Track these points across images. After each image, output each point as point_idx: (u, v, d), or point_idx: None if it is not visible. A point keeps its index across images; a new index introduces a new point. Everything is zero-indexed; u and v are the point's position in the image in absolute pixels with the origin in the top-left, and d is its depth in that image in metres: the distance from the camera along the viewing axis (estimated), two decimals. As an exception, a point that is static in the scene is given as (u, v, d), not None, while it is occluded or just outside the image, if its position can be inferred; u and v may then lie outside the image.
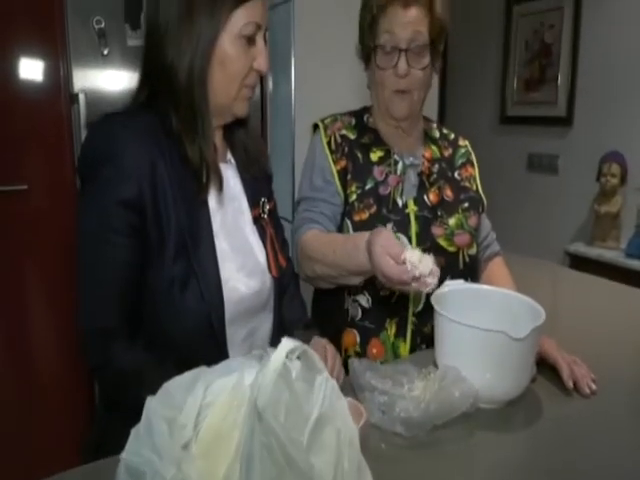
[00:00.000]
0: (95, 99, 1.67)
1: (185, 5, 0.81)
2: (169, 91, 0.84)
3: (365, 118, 1.21)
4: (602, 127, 2.68)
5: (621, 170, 2.47)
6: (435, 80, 2.13)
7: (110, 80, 1.70)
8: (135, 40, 1.67)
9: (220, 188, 0.89)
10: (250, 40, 0.86)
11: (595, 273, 2.39)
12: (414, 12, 1.07)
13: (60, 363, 1.78)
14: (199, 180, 0.86)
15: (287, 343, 0.49)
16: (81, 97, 1.63)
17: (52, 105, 1.69)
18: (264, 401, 0.48)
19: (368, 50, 1.14)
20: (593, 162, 2.59)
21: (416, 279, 0.84)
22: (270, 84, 1.96)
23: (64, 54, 1.68)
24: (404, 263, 0.83)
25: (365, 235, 0.93)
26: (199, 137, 0.85)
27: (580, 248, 2.61)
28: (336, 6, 1.47)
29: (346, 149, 1.16)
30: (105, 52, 1.66)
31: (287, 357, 0.50)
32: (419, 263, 0.83)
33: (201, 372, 0.61)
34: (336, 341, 1.13)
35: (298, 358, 0.52)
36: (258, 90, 1.93)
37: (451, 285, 1.00)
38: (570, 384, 0.93)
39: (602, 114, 2.68)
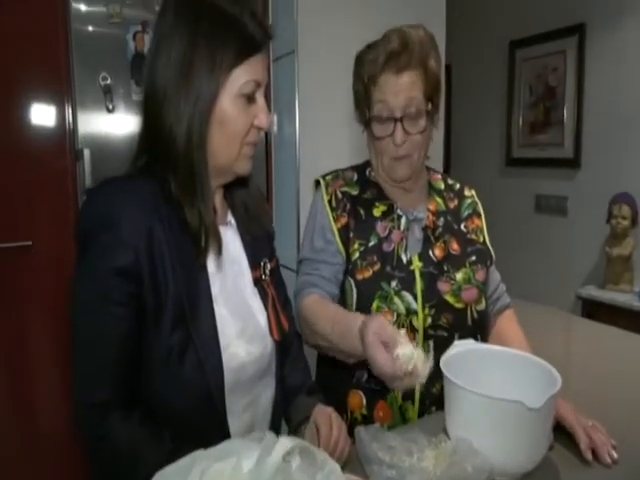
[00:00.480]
0: (100, 154, 1.68)
1: (183, 67, 0.80)
2: (168, 156, 0.83)
3: (367, 172, 1.19)
4: (611, 168, 2.67)
5: (632, 212, 2.45)
6: (441, 124, 2.16)
7: (115, 135, 1.72)
8: (140, 95, 1.70)
9: (219, 252, 0.87)
10: (250, 98, 0.85)
11: (608, 317, 2.35)
12: (406, 78, 1.05)
13: (62, 420, 1.74)
14: (198, 245, 0.84)
15: (285, 442, 0.46)
16: (86, 153, 1.65)
17: (57, 161, 1.71)
18: None
19: (364, 118, 1.13)
20: (602, 204, 2.57)
21: (408, 374, 0.81)
22: (275, 128, 1.99)
23: (70, 110, 1.72)
24: (397, 358, 0.81)
25: (359, 318, 0.90)
26: (198, 201, 0.83)
27: (592, 292, 2.56)
28: (336, 55, 1.50)
29: (348, 206, 1.13)
30: (110, 107, 1.68)
31: (284, 459, 0.46)
32: (411, 360, 0.81)
33: (198, 456, 0.59)
34: (342, 403, 1.10)
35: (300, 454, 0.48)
36: (263, 135, 1.96)
37: (460, 346, 0.96)
38: (589, 455, 0.87)
39: (610, 155, 2.67)
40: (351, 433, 0.90)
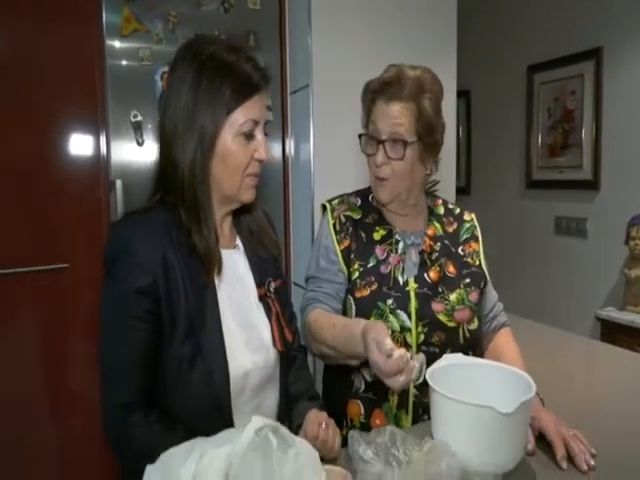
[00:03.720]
0: (130, 184, 1.84)
1: (189, 110, 0.93)
2: (176, 188, 0.95)
3: (370, 198, 1.27)
4: (629, 190, 2.67)
5: (650, 233, 2.44)
6: (452, 147, 2.25)
7: (144, 166, 1.87)
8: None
9: (219, 272, 0.98)
10: (249, 136, 0.97)
11: (628, 338, 2.34)
12: (395, 107, 1.14)
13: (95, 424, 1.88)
14: (205, 266, 0.96)
15: (257, 421, 0.56)
16: (118, 183, 1.81)
17: (92, 191, 1.89)
18: (235, 470, 0.54)
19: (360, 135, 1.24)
20: (622, 225, 2.57)
21: (402, 372, 0.90)
22: (292, 152, 2.13)
23: (105, 144, 1.90)
24: (392, 357, 0.90)
25: (361, 323, 0.99)
26: (202, 228, 0.95)
27: (612, 313, 2.55)
28: (348, 89, 1.61)
29: (350, 229, 1.22)
30: (140, 141, 1.85)
31: (256, 433, 0.56)
32: (404, 358, 0.90)
33: (198, 442, 0.68)
34: (342, 411, 1.18)
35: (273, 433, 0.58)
36: (280, 157, 2.13)
37: (448, 359, 1.02)
38: (563, 465, 0.92)
39: (629, 177, 2.68)
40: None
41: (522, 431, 0.89)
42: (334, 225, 1.24)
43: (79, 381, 1.92)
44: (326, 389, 1.29)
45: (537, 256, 3.21)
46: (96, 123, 1.89)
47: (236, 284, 1.03)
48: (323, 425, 0.95)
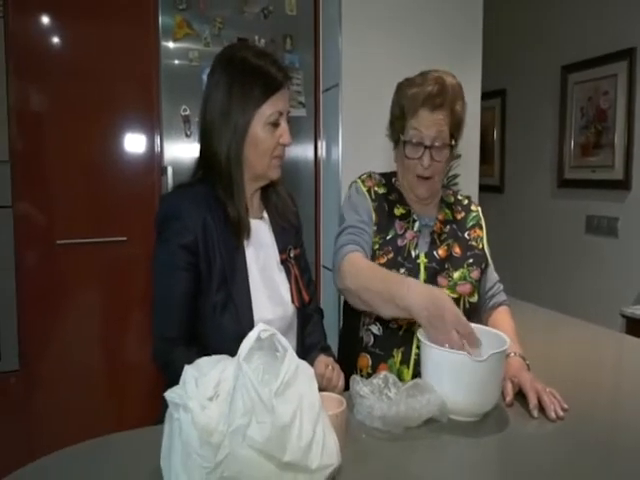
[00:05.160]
0: (179, 170, 2.08)
1: (224, 106, 1.13)
2: (214, 170, 1.16)
3: (393, 180, 1.43)
4: (661, 189, 2.70)
5: (678, 232, 2.47)
6: (476, 144, 2.36)
7: (191, 155, 2.08)
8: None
9: (248, 237, 1.18)
10: (275, 125, 1.16)
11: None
12: (438, 115, 1.27)
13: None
14: (237, 232, 1.16)
15: (260, 326, 0.74)
16: (169, 169, 2.07)
17: (148, 175, 2.15)
18: (242, 358, 0.72)
19: (396, 138, 1.37)
20: (653, 225, 2.60)
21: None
22: (324, 152, 2.31)
23: (159, 135, 2.15)
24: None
25: (404, 285, 1.09)
26: (236, 202, 1.15)
27: (637, 311, 2.58)
28: (375, 88, 1.77)
29: (377, 202, 1.37)
30: (188, 133, 2.09)
31: (259, 335, 0.74)
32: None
33: (224, 357, 0.85)
34: (354, 363, 1.35)
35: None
36: (312, 156, 2.31)
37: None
38: (534, 413, 1.05)
39: (661, 177, 2.70)
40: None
41: (495, 378, 1.03)
42: (368, 192, 1.38)
43: (136, 341, 2.17)
44: (341, 344, 1.47)
45: (567, 254, 3.25)
46: (152, 117, 2.14)
47: (261, 248, 1.23)
48: (329, 367, 1.12)
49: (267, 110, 1.14)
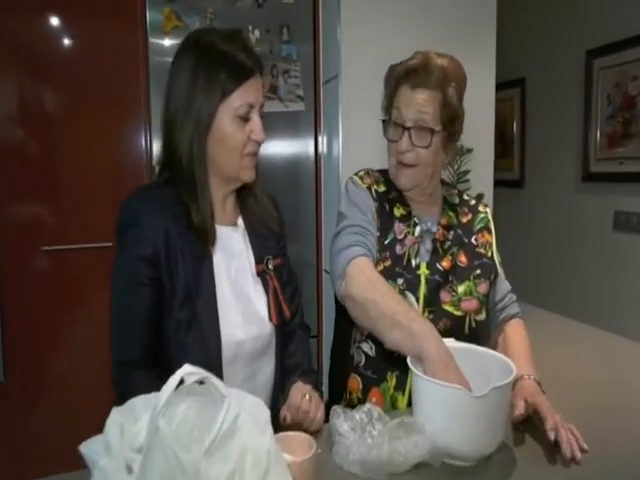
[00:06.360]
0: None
1: (187, 94, 1.00)
2: (176, 168, 1.03)
3: (391, 177, 1.28)
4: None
5: None
6: (490, 136, 2.18)
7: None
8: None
9: (213, 244, 1.05)
10: (245, 119, 1.02)
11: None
12: (420, 94, 1.14)
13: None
14: (202, 239, 1.03)
15: (186, 368, 0.60)
16: (157, 169, 1.93)
17: (137, 177, 2.02)
18: (160, 412, 0.59)
19: (384, 120, 1.24)
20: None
21: None
22: (325, 148, 2.16)
23: (148, 136, 2.03)
24: None
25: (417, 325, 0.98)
26: (200, 205, 1.02)
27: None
28: (377, 79, 1.62)
29: (377, 202, 1.22)
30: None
31: (184, 380, 0.61)
32: None
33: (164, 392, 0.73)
34: (343, 384, 1.21)
35: (201, 383, 0.63)
36: (311, 152, 2.17)
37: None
38: (552, 436, 0.92)
39: (696, 169, 2.48)
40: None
41: (498, 417, 0.88)
42: (369, 189, 1.23)
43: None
44: (331, 362, 1.33)
45: (594, 253, 3.03)
46: (140, 116, 2.02)
47: (233, 259, 1.10)
48: (306, 397, 0.98)
49: (235, 101, 1.01)
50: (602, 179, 3.00)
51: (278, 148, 2.11)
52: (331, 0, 2.02)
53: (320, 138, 2.16)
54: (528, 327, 1.24)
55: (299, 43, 2.09)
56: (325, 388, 1.32)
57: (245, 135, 1.03)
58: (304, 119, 2.12)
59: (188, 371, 0.59)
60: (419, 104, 1.14)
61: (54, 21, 1.93)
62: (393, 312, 1.00)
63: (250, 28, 2.02)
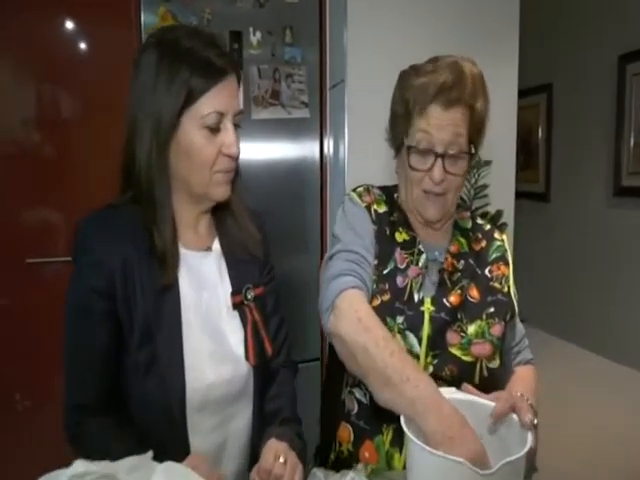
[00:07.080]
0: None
1: (148, 97, 0.87)
2: (134, 183, 0.89)
3: (395, 196, 1.13)
4: None
5: None
6: (512, 146, 1.99)
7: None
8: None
9: (174, 272, 0.90)
10: (215, 129, 0.88)
11: None
12: (455, 114, 0.98)
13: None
14: (163, 266, 0.88)
15: (78, 465, 0.45)
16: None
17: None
18: None
19: (399, 143, 1.07)
20: None
21: None
22: (331, 151, 2.02)
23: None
24: None
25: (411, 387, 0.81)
26: (160, 227, 0.88)
27: None
28: (383, 85, 1.49)
29: (377, 225, 1.07)
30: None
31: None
32: None
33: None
34: (333, 433, 1.05)
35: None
36: (316, 160, 2.03)
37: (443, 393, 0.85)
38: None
39: None
40: (336, 466, 0.89)
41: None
42: (368, 209, 1.08)
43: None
44: (322, 403, 1.17)
45: (626, 274, 2.79)
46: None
47: (204, 289, 0.95)
48: (280, 459, 0.82)
49: (203, 108, 0.87)
50: (635, 194, 2.78)
51: (280, 156, 1.97)
52: (338, 2, 1.88)
53: (326, 145, 2.01)
54: (553, 364, 1.07)
55: (303, 46, 1.94)
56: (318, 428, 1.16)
57: (215, 148, 0.89)
58: (308, 125, 1.97)
59: (76, 471, 0.44)
60: (454, 125, 0.98)
61: (54, 22, 1.85)
62: (384, 365, 0.83)
63: (251, 30, 1.88)
